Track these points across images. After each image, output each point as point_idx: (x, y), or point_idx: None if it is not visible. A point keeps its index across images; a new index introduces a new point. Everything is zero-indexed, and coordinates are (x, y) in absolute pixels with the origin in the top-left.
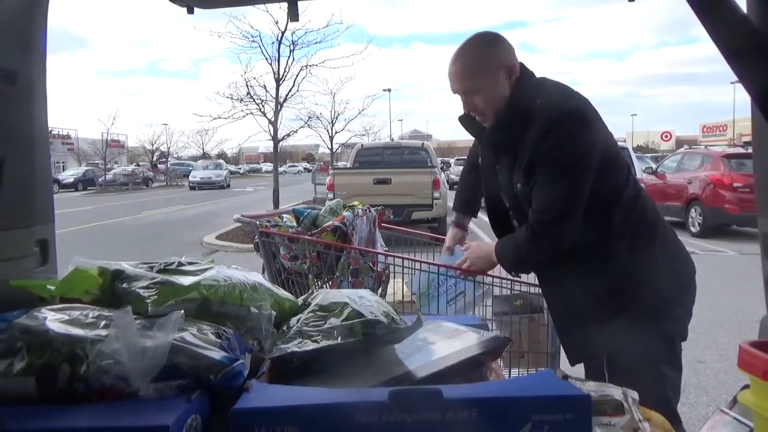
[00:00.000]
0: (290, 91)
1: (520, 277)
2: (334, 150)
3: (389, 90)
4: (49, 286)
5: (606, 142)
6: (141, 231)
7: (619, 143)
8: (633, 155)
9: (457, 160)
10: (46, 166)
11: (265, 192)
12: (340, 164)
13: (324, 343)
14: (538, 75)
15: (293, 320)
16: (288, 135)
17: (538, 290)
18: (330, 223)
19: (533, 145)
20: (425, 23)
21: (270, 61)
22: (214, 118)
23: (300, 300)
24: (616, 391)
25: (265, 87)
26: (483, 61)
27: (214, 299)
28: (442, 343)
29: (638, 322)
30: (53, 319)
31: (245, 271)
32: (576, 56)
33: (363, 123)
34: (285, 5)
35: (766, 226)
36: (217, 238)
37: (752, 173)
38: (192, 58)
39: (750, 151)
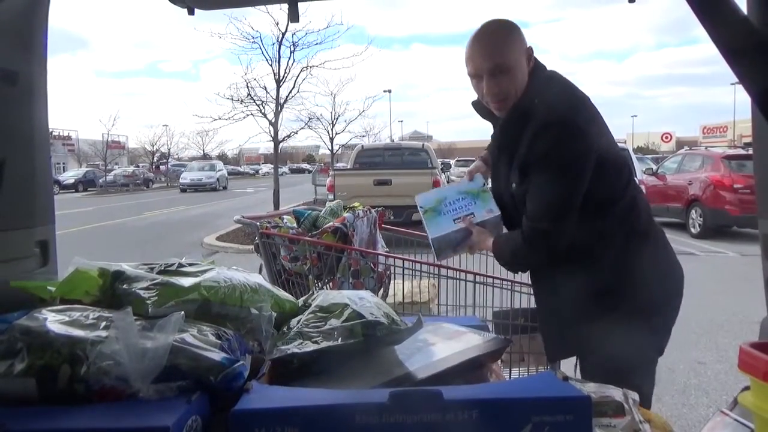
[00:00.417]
0: (291, 92)
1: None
2: (334, 151)
3: (389, 91)
4: (49, 287)
5: (605, 144)
6: (141, 232)
7: (619, 144)
8: (633, 156)
9: (457, 161)
10: (46, 167)
11: (265, 193)
12: (339, 165)
13: (324, 344)
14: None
15: (293, 321)
16: (288, 136)
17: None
18: (330, 224)
19: (527, 146)
20: (426, 24)
21: (270, 62)
22: (215, 119)
23: (300, 301)
24: (616, 393)
25: (265, 88)
26: (513, 39)
27: (215, 300)
28: (443, 345)
29: (615, 327)
30: (54, 320)
31: (246, 272)
32: (577, 57)
33: (363, 124)
34: (285, 6)
35: (766, 227)
36: (218, 239)
37: (753, 174)
38: (192, 59)
39: (750, 152)
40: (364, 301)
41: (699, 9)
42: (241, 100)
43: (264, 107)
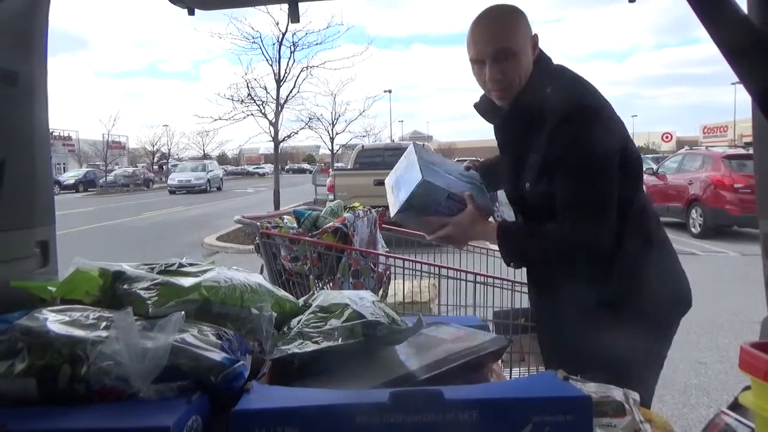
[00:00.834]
0: (291, 92)
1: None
2: (334, 151)
3: (390, 91)
4: (49, 288)
5: (627, 140)
6: (142, 232)
7: None
8: None
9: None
10: (46, 168)
11: (266, 193)
12: (338, 165)
13: (324, 344)
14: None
15: (294, 321)
16: (289, 136)
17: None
18: (331, 224)
19: (548, 139)
20: (426, 24)
21: (271, 63)
22: (215, 120)
23: (300, 301)
24: (617, 393)
25: (265, 88)
26: (519, 24)
27: (215, 300)
28: (443, 345)
29: (622, 338)
30: (54, 321)
31: (246, 272)
32: (577, 57)
33: (363, 124)
34: (285, 6)
35: (767, 226)
36: (218, 239)
37: (753, 174)
38: (193, 60)
39: (751, 151)
40: (364, 301)
41: (699, 8)
42: (242, 101)
43: (264, 107)
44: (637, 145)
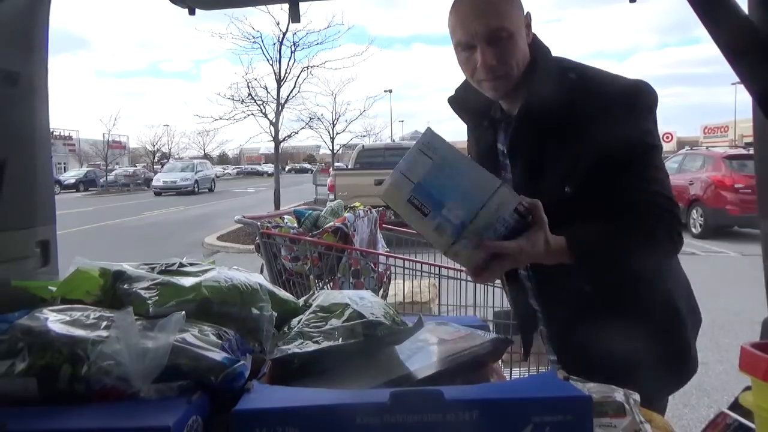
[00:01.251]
0: (291, 92)
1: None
2: (335, 151)
3: (390, 91)
4: (50, 287)
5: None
6: (142, 232)
7: None
8: None
9: None
10: (47, 167)
11: (266, 193)
12: (338, 165)
13: (325, 344)
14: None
15: (294, 321)
16: (289, 136)
17: None
18: (331, 224)
19: (602, 132)
20: (427, 24)
21: (271, 62)
22: (216, 119)
23: (301, 301)
24: (617, 393)
25: (266, 88)
26: (514, 1)
27: (216, 300)
28: (443, 344)
29: (645, 349)
30: (54, 320)
31: (246, 272)
32: (577, 57)
33: (364, 124)
34: (286, 6)
35: (767, 227)
36: (218, 239)
37: (754, 174)
38: (193, 59)
39: (751, 152)
40: (364, 300)
41: (700, 9)
42: (242, 100)
43: (265, 107)
44: None
